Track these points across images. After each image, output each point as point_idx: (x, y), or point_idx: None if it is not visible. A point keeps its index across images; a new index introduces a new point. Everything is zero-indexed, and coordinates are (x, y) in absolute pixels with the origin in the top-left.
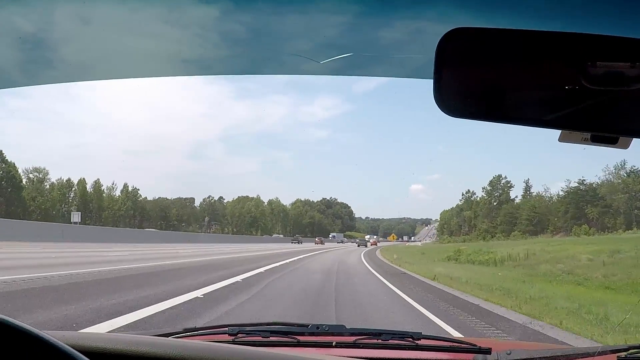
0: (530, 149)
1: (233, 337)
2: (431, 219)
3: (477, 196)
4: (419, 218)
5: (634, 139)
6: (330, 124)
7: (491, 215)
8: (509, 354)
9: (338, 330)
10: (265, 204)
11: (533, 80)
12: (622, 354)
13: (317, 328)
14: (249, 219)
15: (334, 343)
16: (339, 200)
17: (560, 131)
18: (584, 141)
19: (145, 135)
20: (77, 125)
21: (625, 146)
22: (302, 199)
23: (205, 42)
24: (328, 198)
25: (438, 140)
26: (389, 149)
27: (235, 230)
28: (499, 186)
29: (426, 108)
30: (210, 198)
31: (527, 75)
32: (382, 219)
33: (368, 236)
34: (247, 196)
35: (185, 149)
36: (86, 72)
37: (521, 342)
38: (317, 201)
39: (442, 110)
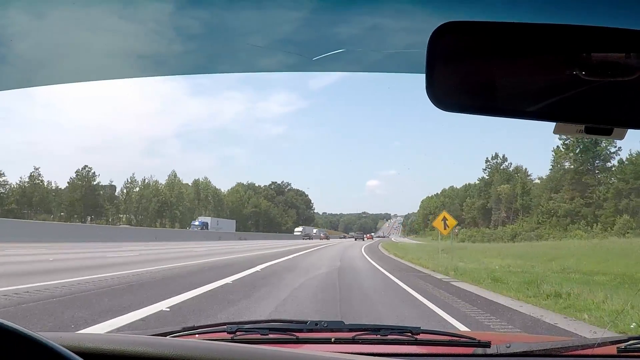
0: (489, 142)
1: (232, 335)
2: (390, 214)
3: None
4: (378, 213)
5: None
6: (287, 120)
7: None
8: (509, 346)
9: (337, 327)
10: (190, 185)
11: (527, 73)
12: (622, 345)
13: (316, 325)
14: (154, 204)
15: (332, 339)
16: (293, 187)
17: (555, 123)
18: (579, 133)
19: (100, 131)
20: (30, 122)
21: (621, 137)
22: (245, 183)
23: (160, 37)
24: (279, 182)
25: (395, 135)
26: (346, 144)
27: (137, 220)
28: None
29: (382, 103)
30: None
31: (520, 67)
32: (342, 214)
33: (352, 233)
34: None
35: (141, 146)
36: (41, 68)
37: (520, 334)
38: (265, 186)
39: (436, 105)
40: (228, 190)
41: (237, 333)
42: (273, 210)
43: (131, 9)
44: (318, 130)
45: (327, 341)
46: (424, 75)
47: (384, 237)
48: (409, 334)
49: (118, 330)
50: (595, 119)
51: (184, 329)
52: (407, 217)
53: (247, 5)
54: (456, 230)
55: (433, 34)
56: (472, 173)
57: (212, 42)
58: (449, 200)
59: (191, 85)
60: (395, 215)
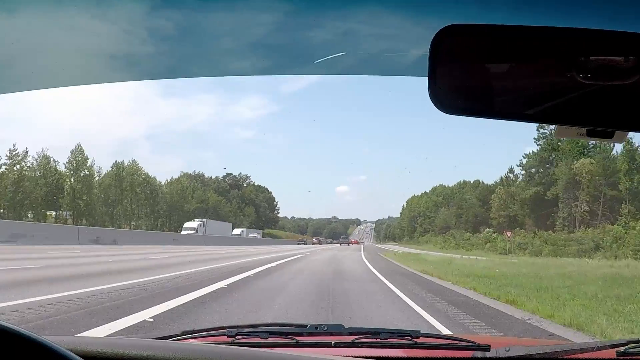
0: (463, 147)
1: (232, 339)
2: (360, 219)
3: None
4: (348, 218)
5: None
6: (258, 124)
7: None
8: (508, 350)
9: (336, 330)
10: (108, 169)
11: (528, 75)
12: (621, 349)
13: (316, 328)
14: (40, 189)
15: (332, 343)
16: (254, 183)
17: (556, 126)
18: (580, 136)
19: (68, 131)
20: None
21: (621, 140)
22: (191, 172)
23: (133, 38)
24: (236, 174)
25: (364, 142)
26: (316, 150)
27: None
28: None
29: (352, 109)
30: None
31: (522, 70)
32: (311, 218)
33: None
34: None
35: (110, 147)
36: (8, 69)
37: (519, 338)
38: (216, 177)
39: (438, 107)
40: (168, 180)
41: (237, 337)
42: (225, 207)
43: (104, 8)
44: (288, 135)
45: (327, 345)
46: (399, 78)
47: (347, 242)
48: (409, 337)
49: (118, 333)
50: (596, 122)
51: (184, 333)
52: (379, 222)
53: (220, 8)
54: (509, 235)
55: (435, 37)
56: (464, 170)
57: (185, 44)
58: (443, 200)
59: (163, 87)
60: (365, 221)
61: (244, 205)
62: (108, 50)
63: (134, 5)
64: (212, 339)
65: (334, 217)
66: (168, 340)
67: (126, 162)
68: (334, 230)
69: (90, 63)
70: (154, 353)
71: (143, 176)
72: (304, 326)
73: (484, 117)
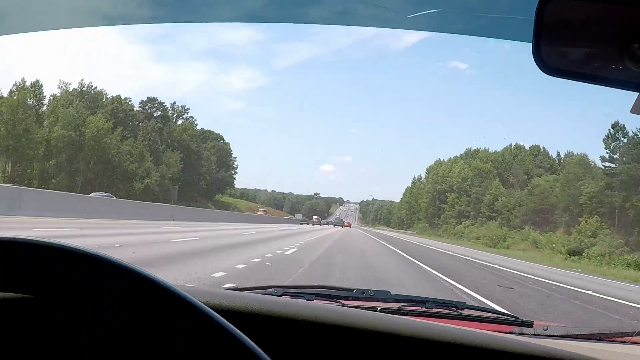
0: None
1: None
2: (343, 199)
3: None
4: (330, 196)
5: None
6: (247, 96)
7: None
8: (546, 329)
9: (383, 296)
10: None
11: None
12: None
13: (362, 293)
14: None
15: (378, 309)
16: (195, 122)
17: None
18: None
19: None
20: None
21: None
22: (83, 88)
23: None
24: (167, 103)
25: (352, 121)
26: (303, 126)
27: None
28: None
29: (343, 88)
30: None
31: (633, 38)
32: (291, 193)
33: (300, 216)
34: None
35: None
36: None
37: (556, 322)
38: (126, 101)
39: (542, 70)
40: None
41: (283, 297)
42: (123, 147)
43: None
44: (277, 110)
45: (373, 310)
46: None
47: (341, 224)
48: (454, 308)
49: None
50: None
51: (230, 289)
52: (363, 203)
53: None
54: None
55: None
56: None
57: (181, 10)
58: (493, 167)
59: (154, 53)
60: (349, 201)
61: (166, 149)
62: (103, 12)
63: None
64: None
65: (316, 194)
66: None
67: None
68: (315, 207)
69: (83, 22)
70: (277, 309)
71: None
72: (351, 290)
73: (588, 82)
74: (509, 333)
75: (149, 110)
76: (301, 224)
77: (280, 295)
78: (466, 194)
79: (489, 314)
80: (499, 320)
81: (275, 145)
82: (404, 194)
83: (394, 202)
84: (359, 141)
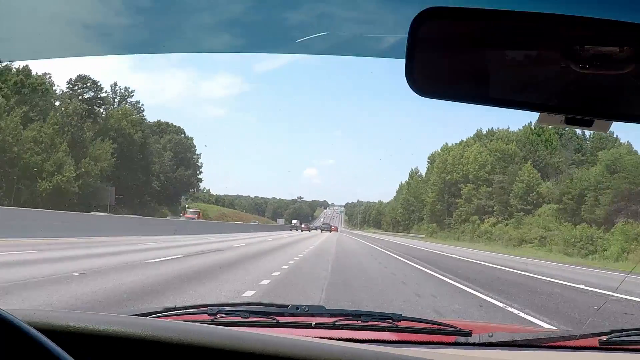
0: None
1: (212, 317)
2: (327, 202)
3: None
4: (314, 200)
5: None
6: (228, 102)
7: None
8: (491, 336)
9: (317, 311)
10: None
11: (508, 62)
12: (604, 338)
13: (297, 309)
14: None
15: (313, 324)
16: (142, 110)
17: (538, 114)
18: (561, 123)
19: None
20: None
21: (604, 129)
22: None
23: (108, 9)
24: (107, 86)
25: (335, 125)
26: (285, 131)
27: None
28: None
29: (325, 92)
30: None
31: (502, 56)
32: (274, 198)
33: (290, 221)
34: None
35: None
36: None
37: (501, 325)
38: (21, 70)
39: (415, 91)
40: None
41: (218, 315)
42: (26, 133)
43: None
44: (259, 115)
45: (307, 325)
46: (373, 60)
47: (328, 229)
48: (390, 320)
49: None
50: (577, 110)
51: (166, 310)
52: (349, 205)
53: None
54: None
55: (415, 19)
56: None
57: (160, 18)
58: (519, 150)
59: (134, 61)
60: (333, 204)
61: (95, 138)
62: (82, 20)
63: None
64: (193, 317)
65: (300, 197)
66: (148, 317)
67: None
68: (299, 212)
69: (63, 32)
70: (125, 330)
71: None
72: (285, 306)
73: (461, 102)
74: (454, 344)
75: (78, 91)
76: (291, 230)
77: (215, 314)
78: (486, 184)
79: (426, 325)
80: (436, 330)
81: (258, 150)
82: (398, 192)
83: (383, 202)
84: (342, 144)
